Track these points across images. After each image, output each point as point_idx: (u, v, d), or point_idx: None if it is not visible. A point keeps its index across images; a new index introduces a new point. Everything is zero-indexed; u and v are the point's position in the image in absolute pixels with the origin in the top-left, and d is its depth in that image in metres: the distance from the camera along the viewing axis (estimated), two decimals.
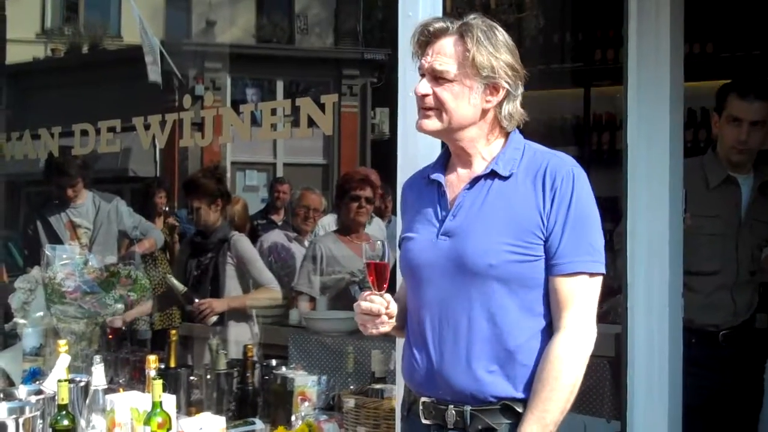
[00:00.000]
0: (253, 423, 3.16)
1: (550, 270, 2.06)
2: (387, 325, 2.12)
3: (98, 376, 2.95)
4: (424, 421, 2.14)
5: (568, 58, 6.29)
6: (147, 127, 3.59)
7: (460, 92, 2.09)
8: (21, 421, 2.80)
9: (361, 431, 2.85)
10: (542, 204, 2.06)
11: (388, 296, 2.12)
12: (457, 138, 2.15)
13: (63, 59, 14.05)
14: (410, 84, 2.47)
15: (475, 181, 2.14)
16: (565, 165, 2.09)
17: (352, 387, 3.17)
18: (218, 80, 12.16)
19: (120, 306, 3.72)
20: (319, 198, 5.45)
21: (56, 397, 2.81)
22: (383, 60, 13.19)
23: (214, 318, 4.42)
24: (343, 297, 4.66)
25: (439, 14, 2.51)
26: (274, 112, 3.13)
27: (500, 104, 2.12)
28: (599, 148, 6.23)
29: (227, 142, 3.25)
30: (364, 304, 2.11)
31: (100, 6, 14.67)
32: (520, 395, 2.05)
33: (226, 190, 4.66)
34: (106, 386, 2.96)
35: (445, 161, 2.24)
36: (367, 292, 2.13)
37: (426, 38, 2.13)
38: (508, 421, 2.05)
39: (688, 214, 3.17)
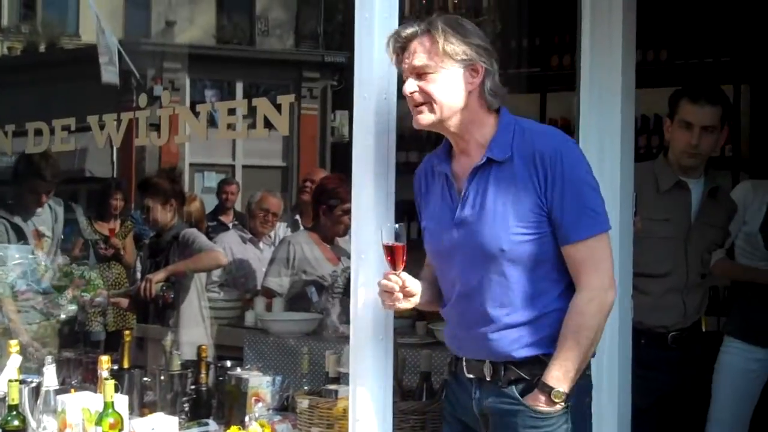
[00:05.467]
0: (207, 424, 3.15)
1: (560, 241, 2.28)
2: (405, 302, 2.34)
3: (50, 377, 2.94)
4: (468, 375, 2.40)
5: (525, 63, 6.34)
6: (102, 126, 3.56)
7: (443, 81, 2.29)
8: None
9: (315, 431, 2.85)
10: (538, 184, 2.26)
11: (404, 275, 2.32)
12: (451, 126, 2.34)
13: (19, 57, 13.88)
14: (366, 86, 2.49)
15: (476, 170, 2.33)
16: (551, 143, 2.30)
17: (306, 388, 3.17)
18: (177, 81, 12.07)
19: (73, 307, 3.68)
20: (279, 201, 5.46)
21: (6, 398, 2.79)
22: (343, 63, 13.19)
23: (158, 287, 4.40)
24: (300, 298, 4.67)
25: (396, 13, 2.53)
26: (232, 112, 3.13)
27: (482, 83, 2.31)
28: None
29: (184, 142, 3.24)
30: (382, 282, 2.33)
31: (58, 4, 14.51)
32: (549, 350, 2.29)
33: (181, 190, 4.66)
34: (58, 387, 2.95)
35: (449, 150, 2.44)
36: (387, 271, 2.33)
37: (401, 44, 2.34)
38: (538, 372, 2.29)
39: (638, 217, 3.21)
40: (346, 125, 12.68)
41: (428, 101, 2.31)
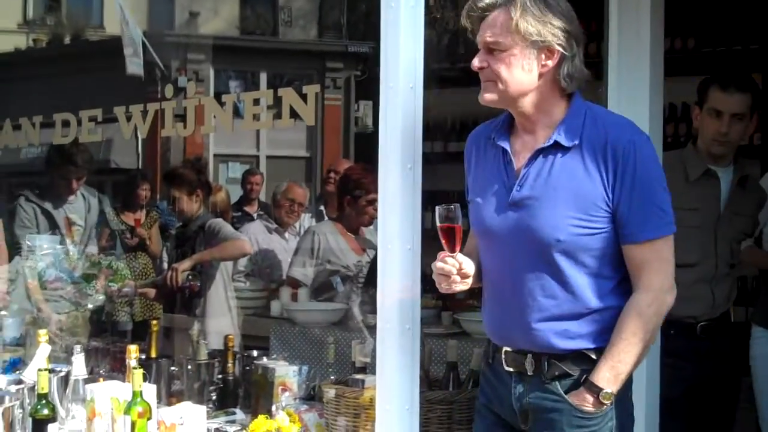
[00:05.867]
0: (234, 413, 3.16)
1: (622, 238, 2.17)
2: (461, 284, 2.25)
3: (78, 366, 2.96)
4: (507, 369, 2.29)
5: None
6: (128, 117, 3.57)
7: (513, 60, 2.16)
8: (0, 410, 2.81)
9: (341, 421, 2.85)
10: (606, 177, 2.14)
11: (461, 257, 2.23)
12: (519, 105, 2.22)
13: (45, 49, 13.98)
14: (392, 76, 2.47)
15: (540, 152, 2.21)
16: (624, 135, 2.17)
17: (332, 377, 3.17)
18: (201, 72, 12.12)
19: (101, 297, 3.71)
20: (304, 192, 5.48)
21: (36, 387, 2.82)
22: (367, 53, 13.19)
23: (184, 276, 4.43)
24: (324, 288, 4.68)
25: (422, 2, 2.51)
26: (257, 102, 3.13)
27: (557, 67, 2.18)
28: None
29: (210, 133, 3.25)
30: (439, 264, 2.23)
31: None
32: (594, 345, 2.19)
33: (207, 180, 4.69)
34: (86, 376, 2.98)
35: (509, 125, 2.31)
36: (443, 253, 2.23)
37: (478, 15, 2.22)
38: (583, 368, 2.20)
39: None
40: (370, 115, 12.69)
41: (494, 79, 2.20)
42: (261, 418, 2.80)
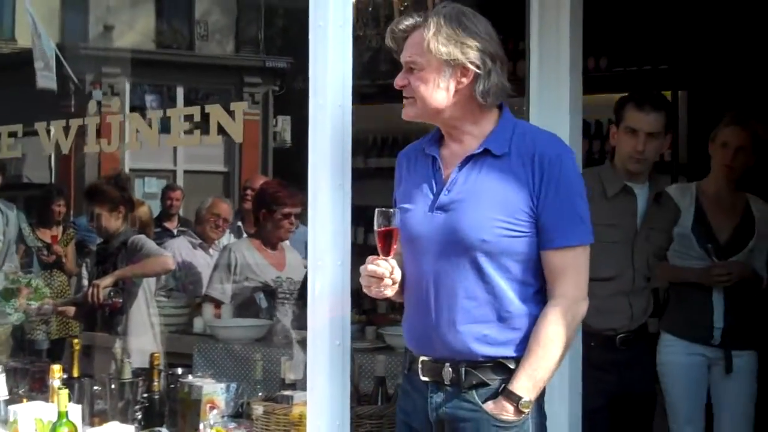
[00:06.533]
0: None
1: (542, 244, 2.24)
2: (390, 289, 2.27)
3: (0, 387, 2.89)
4: (423, 378, 2.31)
5: None
6: (48, 132, 3.51)
7: (429, 78, 2.25)
8: None
9: None
10: (532, 185, 2.22)
11: (393, 261, 2.26)
12: (441, 120, 2.32)
13: None
14: (320, 93, 2.50)
15: (469, 158, 2.28)
16: (552, 148, 2.26)
17: (260, 394, 3.17)
18: (117, 85, 11.92)
19: (20, 315, 3.63)
20: (229, 207, 5.47)
21: None
22: (285, 68, 13.17)
23: (106, 292, 4.37)
24: (248, 304, 4.67)
25: (350, 21, 2.55)
26: (187, 118, 3.11)
27: (473, 83, 2.25)
28: None
29: (135, 149, 3.21)
30: (370, 267, 2.25)
31: None
32: (512, 354, 2.23)
33: (130, 197, 4.64)
34: (7, 396, 2.91)
35: (440, 137, 2.39)
36: (374, 257, 2.26)
37: (401, 35, 2.33)
38: (501, 377, 2.23)
39: None
40: (288, 130, 12.68)
41: (413, 96, 2.30)
42: None
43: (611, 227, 3.38)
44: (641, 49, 5.90)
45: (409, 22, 2.30)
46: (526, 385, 2.19)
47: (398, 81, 2.32)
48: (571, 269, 2.24)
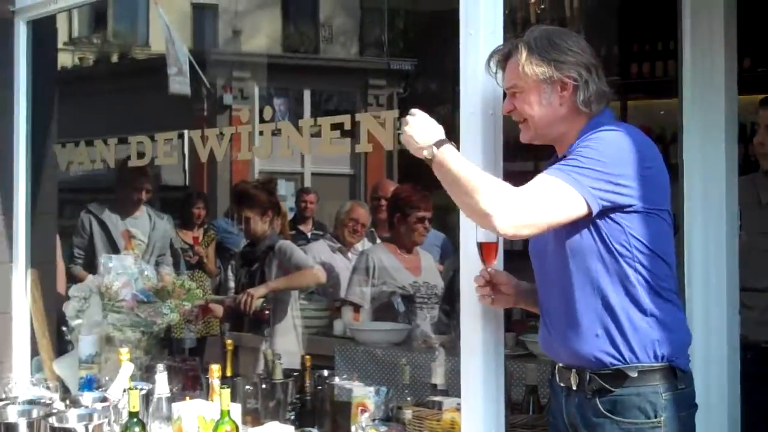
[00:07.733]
0: None
1: None
2: (499, 298, 2.41)
3: (161, 384, 3.00)
4: (559, 383, 2.41)
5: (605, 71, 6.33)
6: (204, 139, 3.63)
7: (532, 99, 2.34)
8: (91, 428, 2.87)
9: None
10: None
11: (492, 271, 2.40)
12: (553, 137, 2.39)
13: (91, 68, 14.17)
14: (471, 102, 2.50)
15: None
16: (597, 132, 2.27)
17: (409, 398, 3.20)
18: (246, 90, 12.22)
19: (175, 315, 3.77)
20: (367, 212, 5.52)
21: (126, 405, 2.88)
22: (409, 70, 13.24)
23: (259, 303, 4.50)
24: (386, 308, 4.72)
25: (500, 29, 2.55)
26: (335, 126, 3.17)
27: (573, 96, 2.32)
28: None
29: (287, 156, 3.29)
30: (474, 277, 2.41)
31: (128, 15, 14.77)
32: (635, 362, 2.24)
33: (277, 201, 4.75)
34: (169, 394, 3.02)
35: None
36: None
37: (498, 65, 2.42)
38: (622, 383, 2.25)
39: (743, 231, 3.19)
40: None
41: (524, 119, 2.38)
42: None
43: (766, 235, 3.29)
44: None
45: (501, 51, 2.39)
46: (449, 150, 2.26)
47: (505, 107, 2.41)
48: (532, 183, 2.22)
